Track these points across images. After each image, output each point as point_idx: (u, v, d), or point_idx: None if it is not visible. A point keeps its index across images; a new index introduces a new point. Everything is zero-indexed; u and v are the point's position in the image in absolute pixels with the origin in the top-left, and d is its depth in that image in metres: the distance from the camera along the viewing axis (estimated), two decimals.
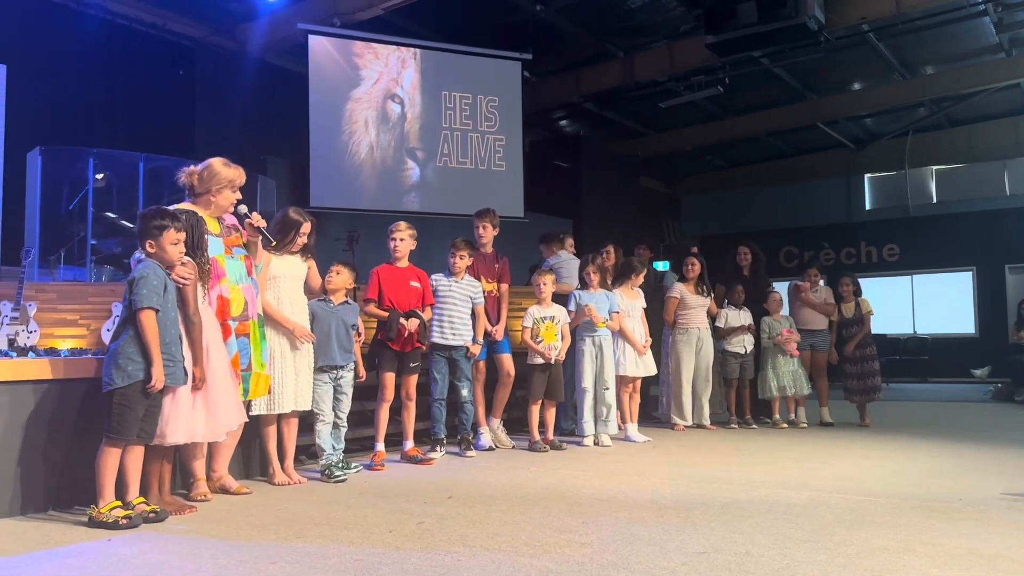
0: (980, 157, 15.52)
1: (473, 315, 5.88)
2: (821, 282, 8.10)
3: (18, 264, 5.70)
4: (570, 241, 7.62)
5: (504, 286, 6.30)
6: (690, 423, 7.30)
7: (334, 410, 4.96)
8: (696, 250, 8.28)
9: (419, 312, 5.44)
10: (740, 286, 7.67)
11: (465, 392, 5.79)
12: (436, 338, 5.70)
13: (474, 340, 5.85)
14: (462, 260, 5.80)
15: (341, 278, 5.04)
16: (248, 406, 4.47)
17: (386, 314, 5.35)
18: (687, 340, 7.31)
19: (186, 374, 3.76)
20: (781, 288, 8.08)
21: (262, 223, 4.41)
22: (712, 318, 7.57)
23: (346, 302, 5.09)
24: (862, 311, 7.81)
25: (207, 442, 4.10)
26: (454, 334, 5.73)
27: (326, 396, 4.92)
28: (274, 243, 4.57)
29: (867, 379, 7.66)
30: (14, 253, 6.15)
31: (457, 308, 5.77)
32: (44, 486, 3.82)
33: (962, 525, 3.46)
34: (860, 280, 8.07)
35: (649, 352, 6.82)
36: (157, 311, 3.58)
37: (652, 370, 6.88)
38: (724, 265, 8.22)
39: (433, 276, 5.81)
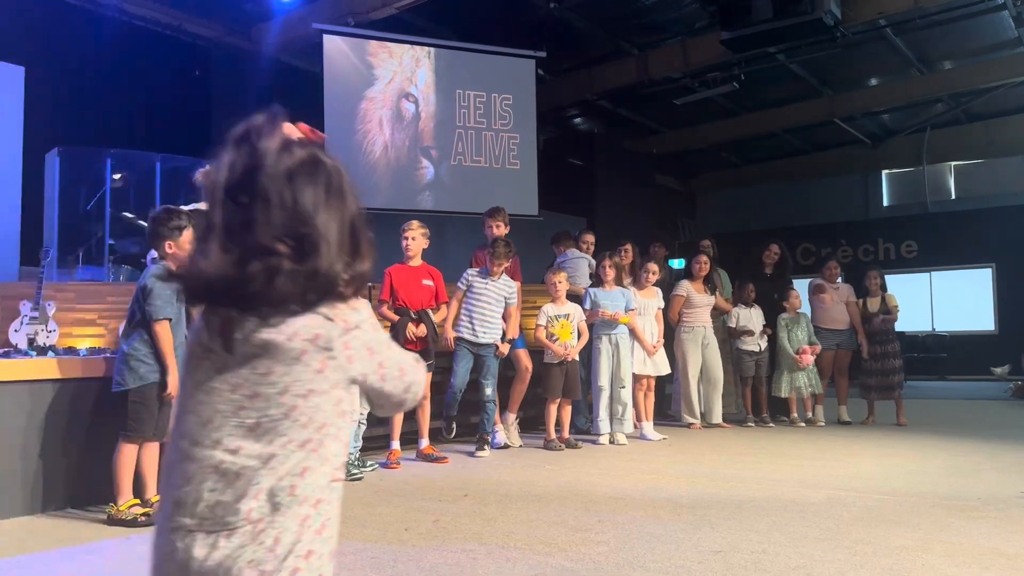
0: (999, 152, 15.35)
1: (505, 317, 5.91)
2: (839, 279, 7.99)
3: (37, 264, 5.74)
4: (587, 238, 7.54)
5: (516, 283, 6.30)
6: (699, 420, 7.27)
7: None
8: (707, 244, 8.22)
9: (430, 313, 5.45)
10: (751, 284, 7.62)
11: (489, 391, 5.79)
12: (465, 334, 5.70)
13: (504, 339, 5.86)
14: (499, 268, 5.82)
15: None
16: None
17: (397, 317, 5.37)
18: (693, 338, 7.28)
19: None
20: (799, 285, 8.01)
21: None
22: (724, 316, 7.55)
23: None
24: (888, 306, 7.67)
25: None
26: (484, 332, 5.73)
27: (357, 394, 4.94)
28: None
29: (888, 376, 7.55)
30: (33, 253, 6.20)
31: (490, 307, 5.78)
32: (63, 484, 3.86)
33: (982, 524, 3.43)
34: None
35: (662, 351, 6.79)
36: (171, 320, 3.61)
37: (664, 369, 6.85)
38: (747, 262, 8.15)
39: (469, 271, 5.85)
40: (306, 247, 1.06)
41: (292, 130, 1.20)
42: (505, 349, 5.89)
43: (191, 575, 1.03)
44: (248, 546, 1.03)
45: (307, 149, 1.13)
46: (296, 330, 1.08)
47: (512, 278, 6.28)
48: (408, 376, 1.22)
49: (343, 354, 1.11)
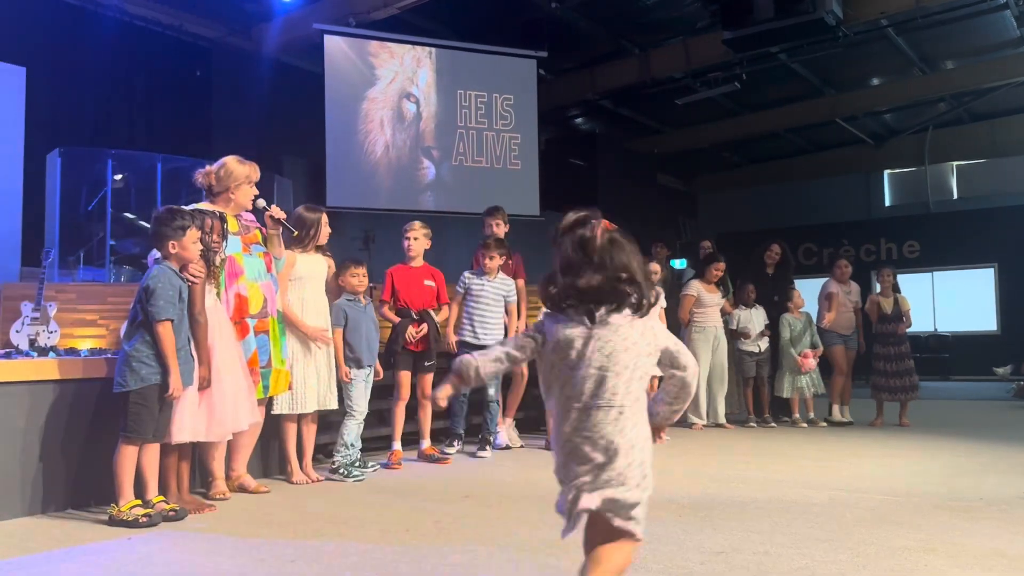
0: (1002, 152, 15.32)
1: (507, 313, 5.89)
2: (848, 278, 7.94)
3: (38, 265, 5.74)
4: None
5: (520, 282, 6.29)
6: (706, 421, 7.26)
7: None
8: (707, 244, 8.20)
9: (432, 313, 5.44)
10: (751, 285, 7.60)
11: (492, 391, 5.79)
12: (467, 337, 5.69)
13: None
14: (492, 261, 5.81)
15: (367, 279, 5.09)
16: (270, 405, 4.49)
17: (398, 319, 5.37)
18: (704, 338, 7.28)
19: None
20: (801, 285, 7.98)
21: (282, 215, 4.44)
22: (726, 316, 7.54)
23: (370, 301, 5.14)
24: (901, 309, 7.58)
25: (214, 442, 4.08)
26: (485, 333, 5.70)
27: (363, 395, 4.94)
28: (296, 233, 4.60)
29: (908, 377, 7.46)
30: (34, 254, 6.21)
31: (490, 308, 5.76)
32: (64, 485, 3.85)
33: (984, 525, 3.42)
34: None
35: None
36: (173, 321, 3.60)
37: None
38: (748, 262, 8.14)
39: (465, 273, 5.83)
40: (631, 278, 1.99)
41: (605, 224, 2.03)
42: None
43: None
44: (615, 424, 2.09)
45: (610, 233, 2.02)
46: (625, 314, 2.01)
47: (516, 277, 6.27)
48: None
49: (650, 328, 2.02)
